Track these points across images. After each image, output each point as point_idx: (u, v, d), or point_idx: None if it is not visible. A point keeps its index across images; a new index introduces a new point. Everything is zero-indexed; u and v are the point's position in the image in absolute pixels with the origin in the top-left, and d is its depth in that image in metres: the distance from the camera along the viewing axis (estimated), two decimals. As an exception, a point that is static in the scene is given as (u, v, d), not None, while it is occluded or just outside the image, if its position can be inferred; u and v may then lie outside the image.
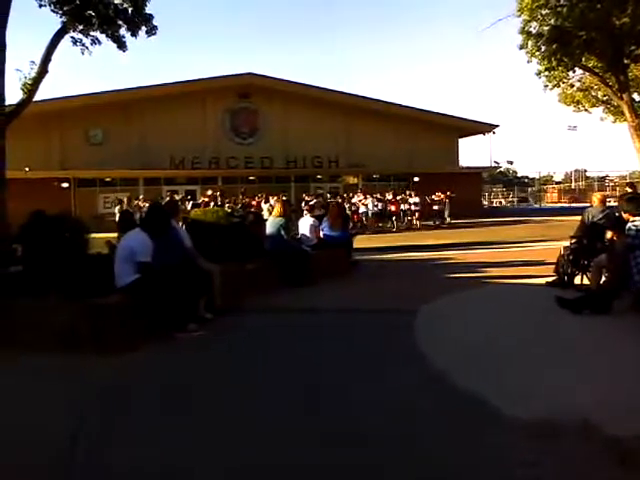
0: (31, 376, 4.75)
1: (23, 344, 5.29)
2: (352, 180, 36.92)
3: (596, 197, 8.83)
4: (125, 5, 13.02)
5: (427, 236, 20.35)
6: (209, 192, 25.23)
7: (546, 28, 22.22)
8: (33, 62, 11.99)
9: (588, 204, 12.88)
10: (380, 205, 26.30)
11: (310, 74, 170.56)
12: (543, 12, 22.02)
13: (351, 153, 35.48)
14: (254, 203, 24.02)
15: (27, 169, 27.89)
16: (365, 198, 26.60)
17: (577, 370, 4.44)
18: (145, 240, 5.90)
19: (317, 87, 35.89)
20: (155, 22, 13.62)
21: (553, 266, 8.49)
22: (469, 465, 2.99)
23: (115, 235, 11.29)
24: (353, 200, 26.75)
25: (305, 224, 10.84)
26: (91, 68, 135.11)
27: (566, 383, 4.12)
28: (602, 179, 63.38)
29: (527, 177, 78.08)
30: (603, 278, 6.94)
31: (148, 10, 13.35)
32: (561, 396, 3.85)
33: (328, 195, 28.61)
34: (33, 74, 11.95)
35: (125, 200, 24.10)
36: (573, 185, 68.79)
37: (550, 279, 8.29)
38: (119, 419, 3.75)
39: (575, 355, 4.91)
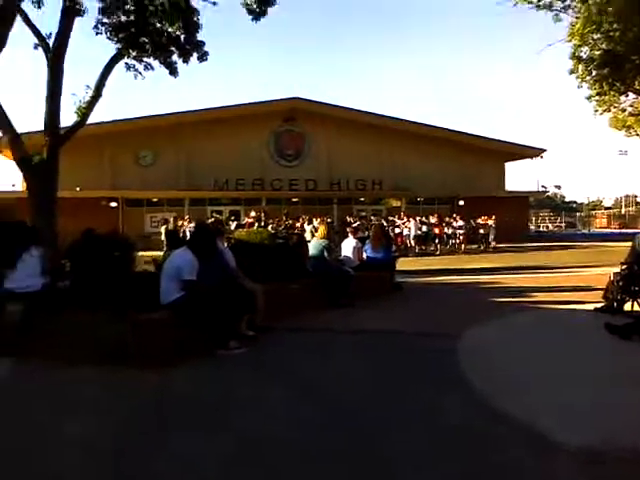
0: (77, 389, 4.86)
1: (70, 358, 5.43)
2: (395, 203, 36.81)
3: (647, 223, 8.59)
4: (178, 32, 13.43)
5: (471, 260, 20.08)
6: (253, 213, 25.52)
7: (597, 52, 21.92)
8: (88, 86, 12.44)
9: (638, 230, 12.51)
10: (424, 228, 26.13)
11: (356, 98, 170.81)
12: (595, 37, 21.75)
13: (395, 176, 35.40)
14: (297, 224, 24.14)
15: (78, 188, 28.73)
16: (408, 221, 26.47)
17: (626, 398, 4.31)
18: (191, 259, 6.01)
19: (362, 111, 36.05)
20: (206, 48, 14.00)
21: (602, 292, 8.29)
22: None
23: (161, 253, 11.51)
24: (396, 223, 26.64)
25: (348, 246, 10.86)
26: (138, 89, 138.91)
27: (615, 411, 4.01)
28: (654, 205, 61.56)
29: (575, 202, 76.58)
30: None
31: (199, 37, 13.75)
32: (610, 424, 3.75)
33: (372, 218, 28.58)
34: (87, 98, 12.39)
35: (171, 220, 24.58)
36: (623, 210, 66.99)
37: (599, 305, 8.09)
38: (162, 434, 3.80)
39: (624, 383, 4.77)
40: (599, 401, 4.22)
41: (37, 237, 6.82)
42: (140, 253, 7.67)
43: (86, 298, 6.14)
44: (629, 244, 8.60)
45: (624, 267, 8.14)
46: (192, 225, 20.99)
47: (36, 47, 12.08)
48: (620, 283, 7.86)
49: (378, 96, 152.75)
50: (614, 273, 8.19)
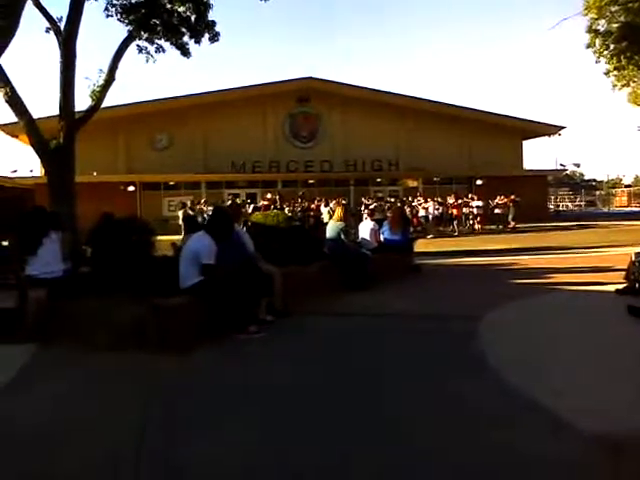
0: (97, 373, 4.91)
1: (91, 343, 5.47)
2: (412, 183, 36.52)
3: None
4: (188, 13, 13.32)
5: (490, 240, 19.91)
6: (269, 195, 25.53)
7: (615, 25, 21.43)
8: (101, 70, 12.41)
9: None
10: (441, 209, 25.95)
11: (369, 79, 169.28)
12: (612, 9, 21.24)
13: (411, 156, 35.14)
14: (313, 206, 24.12)
15: (95, 173, 28.90)
16: (426, 201, 26.29)
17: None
18: (209, 243, 6.00)
19: (377, 90, 35.74)
20: (217, 28, 13.89)
21: (623, 273, 8.16)
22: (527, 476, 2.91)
23: (180, 237, 11.54)
24: (413, 203, 26.48)
25: (365, 228, 10.81)
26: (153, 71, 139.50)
27: (637, 397, 3.94)
28: (675, 182, 60.52)
29: (595, 180, 75.60)
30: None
31: (210, 17, 13.64)
32: (633, 410, 3.69)
33: (389, 199, 28.46)
34: (101, 82, 12.37)
35: (188, 203, 24.69)
36: (643, 188, 65.97)
37: (620, 286, 7.96)
38: (182, 417, 3.83)
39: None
40: (622, 388, 4.15)
41: (57, 222, 6.83)
42: (159, 237, 7.67)
43: (107, 283, 6.18)
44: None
45: (646, 247, 8.02)
46: (210, 208, 21.06)
47: (47, 31, 12.03)
48: (642, 263, 7.73)
49: (390, 75, 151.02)
50: (635, 253, 8.05)
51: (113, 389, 4.48)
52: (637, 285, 7.75)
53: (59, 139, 11.44)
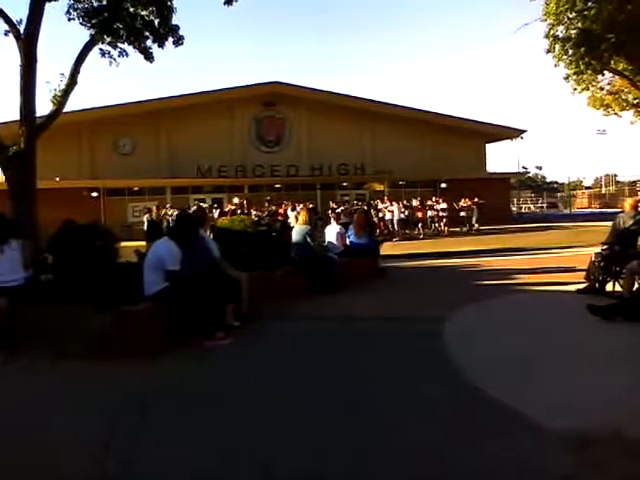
0: (61, 383, 4.81)
1: (53, 351, 5.37)
2: (378, 187, 36.78)
3: (627, 202, 8.66)
4: (152, 17, 13.19)
5: (455, 243, 20.17)
6: (236, 200, 25.39)
7: (573, 32, 21.95)
8: (62, 74, 12.19)
9: (619, 209, 12.63)
10: (407, 212, 26.16)
11: (327, 79, 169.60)
12: (570, 16, 21.75)
13: (377, 160, 35.41)
14: (280, 211, 24.06)
15: (58, 179, 28.39)
16: (391, 204, 26.49)
17: (611, 379, 4.35)
18: (173, 249, 5.95)
19: (342, 94, 35.95)
20: (181, 32, 13.77)
21: (584, 273, 8.35)
22: (501, 476, 2.94)
23: (144, 243, 11.41)
24: (379, 207, 26.65)
25: (332, 232, 10.84)
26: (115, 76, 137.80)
27: (600, 393, 4.04)
28: (633, 184, 61.85)
29: (556, 182, 77.15)
30: (636, 285, 6.81)
31: (174, 21, 13.52)
32: (595, 406, 3.77)
33: (355, 202, 28.60)
34: (62, 86, 12.15)
35: (153, 209, 24.37)
36: (603, 190, 67.62)
37: (581, 286, 8.16)
38: (148, 425, 3.77)
39: (609, 364, 4.80)
40: (585, 385, 4.24)
41: (17, 229, 6.68)
42: (122, 243, 7.58)
43: (69, 291, 6.06)
44: (610, 224, 8.67)
45: (605, 247, 8.21)
46: (175, 213, 20.83)
47: (6, 34, 11.76)
48: (601, 263, 7.91)
49: (354, 80, 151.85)
50: (595, 253, 8.24)
51: (75, 398, 4.38)
52: (597, 285, 7.94)
53: (19, 145, 11.21)
